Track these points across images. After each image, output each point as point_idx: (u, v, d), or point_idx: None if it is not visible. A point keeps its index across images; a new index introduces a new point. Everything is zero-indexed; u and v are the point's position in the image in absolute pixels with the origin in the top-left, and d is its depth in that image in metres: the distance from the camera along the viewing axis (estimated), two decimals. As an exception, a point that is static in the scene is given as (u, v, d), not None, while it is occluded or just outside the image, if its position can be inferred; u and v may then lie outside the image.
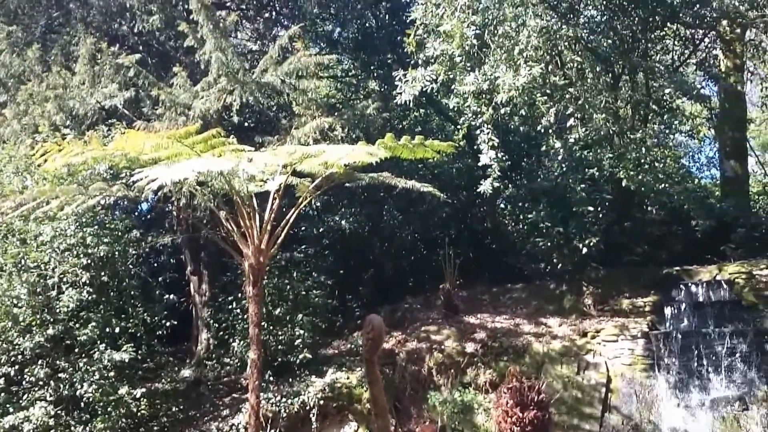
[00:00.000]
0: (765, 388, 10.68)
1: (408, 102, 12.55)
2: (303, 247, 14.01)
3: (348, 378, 11.99)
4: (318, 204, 15.16)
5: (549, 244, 13.96)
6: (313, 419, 11.25)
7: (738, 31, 15.69)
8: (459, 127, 13.82)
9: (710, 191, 19.41)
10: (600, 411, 11.22)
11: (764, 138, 21.81)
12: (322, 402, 11.37)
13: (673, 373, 11.26)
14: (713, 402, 10.78)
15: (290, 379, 11.85)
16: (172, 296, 12.72)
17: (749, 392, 10.72)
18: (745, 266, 13.01)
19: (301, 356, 12.02)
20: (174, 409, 11.78)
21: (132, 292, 11.82)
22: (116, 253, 11.56)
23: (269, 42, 15.01)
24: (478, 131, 12.65)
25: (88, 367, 10.47)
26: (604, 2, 13.01)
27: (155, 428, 11.29)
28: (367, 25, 17.84)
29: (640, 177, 12.45)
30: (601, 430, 11.05)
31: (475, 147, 13.90)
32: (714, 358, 11.15)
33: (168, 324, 11.91)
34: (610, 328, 12.26)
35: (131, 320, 11.34)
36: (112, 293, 11.62)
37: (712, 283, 12.70)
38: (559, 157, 13.79)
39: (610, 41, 13.08)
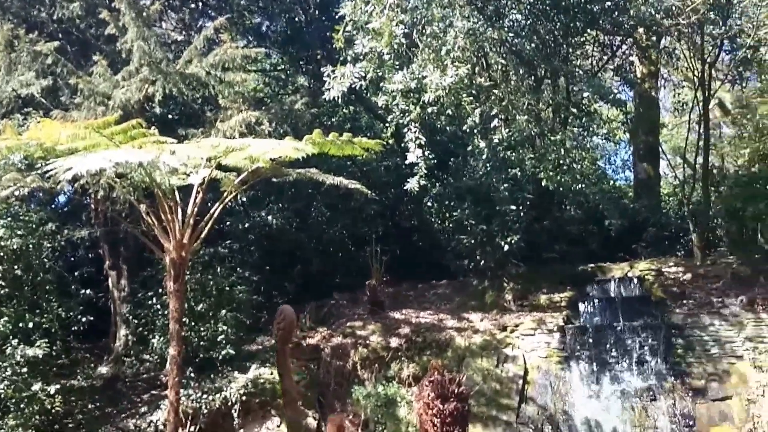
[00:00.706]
0: (672, 380, 11.25)
1: (337, 98, 12.57)
2: (228, 242, 13.86)
3: (272, 373, 11.94)
4: (244, 199, 14.96)
5: (473, 241, 14.29)
6: (235, 415, 11.16)
7: (654, 38, 16.40)
8: (387, 125, 13.96)
9: (624, 192, 20.30)
10: (517, 402, 11.58)
11: (675, 142, 22.84)
12: (244, 398, 11.29)
13: (586, 366, 11.73)
14: (623, 393, 11.30)
15: (212, 376, 11.71)
16: (89, 291, 12.37)
17: (657, 383, 11.28)
18: (655, 263, 13.70)
19: (223, 352, 11.90)
20: (90, 406, 11.46)
21: (47, 287, 11.44)
22: (30, 246, 11.17)
23: (195, 33, 14.78)
24: (406, 129, 12.81)
25: (0, 363, 10.09)
26: (529, 6, 13.37)
27: (70, 425, 10.96)
28: (296, 19, 17.77)
29: (559, 178, 12.88)
30: (517, 420, 11.41)
31: (403, 145, 14.04)
32: (624, 351, 11.67)
33: (84, 319, 11.58)
34: (529, 322, 12.67)
35: (45, 315, 10.98)
36: (25, 287, 11.22)
37: (624, 280, 13.31)
38: (484, 157, 14.10)
39: (533, 45, 13.46)
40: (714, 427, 10.61)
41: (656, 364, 11.51)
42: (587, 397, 11.42)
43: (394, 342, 12.84)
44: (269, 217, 15.11)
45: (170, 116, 14.26)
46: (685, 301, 12.30)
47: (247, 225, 15.01)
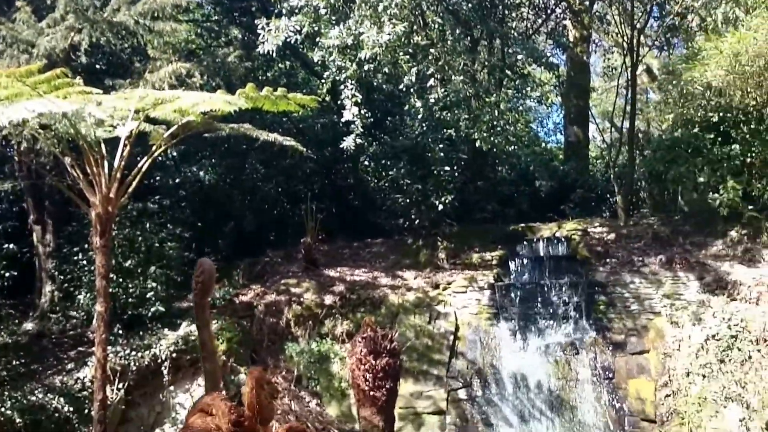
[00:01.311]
0: (594, 335, 11.75)
1: (271, 52, 12.37)
2: (157, 197, 13.56)
3: (203, 330, 11.86)
4: (175, 154, 14.66)
5: (408, 200, 14.42)
6: (165, 372, 11.07)
7: (586, 2, 16.67)
8: (323, 81, 13.82)
9: (555, 155, 20.79)
10: (447, 357, 11.88)
11: (604, 106, 23.46)
12: (174, 355, 11.19)
13: (514, 322, 12.12)
14: (548, 347, 11.74)
15: (141, 333, 11.56)
16: (12, 246, 11.96)
17: (580, 338, 11.76)
18: (581, 224, 14.16)
19: (153, 309, 11.73)
20: (15, 362, 11.15)
21: (-33, 242, 11.01)
22: (-51, 199, 10.70)
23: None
24: (342, 87, 12.74)
25: None
26: (466, -34, 13.38)
27: (-5, 382, 10.68)
28: (229, -33, 17.25)
29: (493, 139, 13.08)
30: (447, 374, 11.72)
31: (340, 102, 13.99)
32: (550, 307, 12.10)
33: (8, 275, 11.21)
34: (461, 280, 12.94)
35: (-33, 271, 10.59)
36: (-55, 242, 10.77)
37: (552, 239, 13.72)
38: (420, 117, 14.17)
39: (470, 5, 13.50)
40: (632, 379, 11.15)
41: (579, 319, 11.98)
42: (514, 351, 11.81)
43: (329, 299, 12.92)
44: (201, 173, 14.85)
45: (97, 66, 13.71)
46: (608, 260, 12.77)
47: (177, 180, 14.72)
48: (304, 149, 11.46)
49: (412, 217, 14.53)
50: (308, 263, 14.24)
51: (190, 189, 14.91)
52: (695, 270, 11.99)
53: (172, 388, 11.16)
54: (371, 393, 8.67)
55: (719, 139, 13.04)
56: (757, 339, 10.42)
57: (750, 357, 10.28)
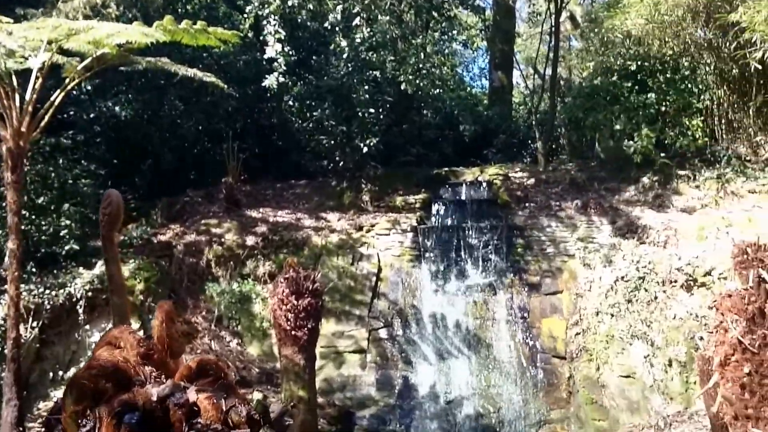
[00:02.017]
0: (511, 276, 12.15)
1: (191, -16, 11.85)
2: (71, 132, 12.96)
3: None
4: (89, 87, 13.95)
5: (332, 142, 14.32)
6: (81, 311, 10.83)
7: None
8: (246, 16, 13.39)
9: (479, 99, 20.97)
10: (370, 298, 12.08)
11: (529, 52, 23.72)
12: (90, 294, 10.93)
13: (435, 264, 12.37)
14: (468, 288, 12.09)
15: (55, 271, 11.20)
16: None
17: (498, 280, 12.14)
18: (503, 169, 14.46)
19: (67, 247, 11.36)
20: None
21: None
22: None
23: None
24: (265, 22, 12.38)
25: None
26: None
27: None
28: None
29: (418, 82, 13.08)
30: (369, 314, 11.93)
31: (262, 39, 13.60)
32: (471, 250, 12.40)
33: None
34: (384, 222, 13.06)
35: None
36: None
37: (474, 184, 13.97)
38: (345, 57, 13.96)
39: (398, -57, 13.26)
40: (545, 318, 11.65)
41: (498, 261, 12.33)
42: (434, 292, 12.10)
43: (251, 240, 12.82)
44: (117, 108, 14.22)
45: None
46: (527, 205, 13.14)
47: (92, 115, 14.05)
48: (226, 86, 11.15)
49: (337, 158, 14.47)
50: (230, 203, 14.03)
51: (106, 124, 14.27)
52: (608, 215, 12.50)
53: (87, 327, 10.93)
54: (293, 332, 8.73)
55: (636, 87, 13.44)
56: (663, 280, 11.01)
57: (656, 297, 10.88)
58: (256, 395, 9.28)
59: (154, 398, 3.33)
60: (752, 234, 10.32)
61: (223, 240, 12.85)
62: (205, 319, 11.63)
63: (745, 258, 8.41)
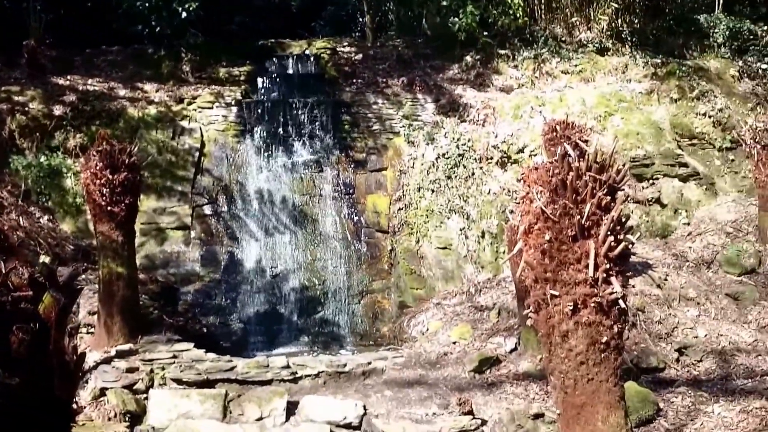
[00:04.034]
0: (338, 153, 12.21)
1: None
2: None
3: None
4: None
5: (148, 5, 13.11)
6: None
7: None
8: None
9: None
10: (193, 173, 11.68)
11: None
12: None
13: (261, 139, 12.12)
14: (294, 164, 12.03)
15: None
16: None
17: (325, 156, 12.17)
18: (331, 43, 14.17)
19: None
20: None
21: None
22: None
23: None
24: None
25: None
26: None
27: None
28: None
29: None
30: (192, 190, 11.58)
31: None
32: (298, 125, 12.24)
33: None
34: (207, 95, 12.46)
35: None
36: None
37: (301, 57, 13.62)
38: None
39: None
40: (370, 194, 11.96)
41: (325, 138, 12.30)
42: (260, 168, 11.93)
43: (58, 110, 11.76)
44: None
45: None
46: (354, 80, 13.05)
47: None
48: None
49: (153, 23, 13.33)
50: (33, 69, 12.66)
51: None
52: (433, 93, 12.78)
53: None
54: (108, 208, 8.29)
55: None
56: (480, 157, 11.62)
57: (473, 173, 11.50)
58: (43, 258, 8.82)
59: None
60: (562, 113, 11.12)
61: (27, 109, 11.69)
62: (12, 194, 10.71)
63: (554, 135, 9.06)
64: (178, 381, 8.02)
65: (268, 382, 8.11)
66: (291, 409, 7.51)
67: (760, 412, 6.89)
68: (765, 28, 14.16)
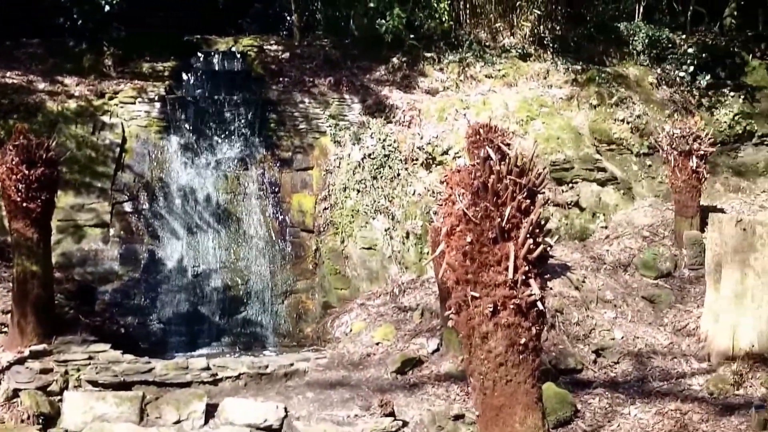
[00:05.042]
0: (263, 151, 12.13)
1: None
2: None
3: None
4: None
5: (69, -4, 12.70)
6: None
7: None
8: None
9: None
10: (113, 170, 11.39)
11: None
12: None
13: (185, 136, 11.92)
14: (218, 162, 11.89)
15: None
16: None
17: (250, 154, 12.07)
18: (258, 40, 14.04)
19: None
20: None
21: None
22: None
23: None
24: None
25: None
26: None
27: None
28: None
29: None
30: (113, 187, 11.29)
31: None
32: (223, 123, 12.10)
33: None
34: (129, 90, 12.15)
35: None
36: None
37: (228, 54, 13.44)
38: None
39: None
40: (295, 193, 11.93)
41: (250, 136, 12.21)
42: (184, 165, 11.73)
43: (-28, 103, 11.27)
44: None
45: None
46: (281, 79, 12.97)
47: None
48: None
49: (75, 16, 12.90)
50: (-56, 60, 12.07)
51: None
52: (359, 93, 12.86)
53: None
54: (24, 204, 8.01)
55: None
56: (405, 158, 11.79)
57: (398, 174, 11.64)
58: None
59: None
60: (486, 116, 11.41)
61: (-61, 100, 11.15)
62: None
63: (477, 138, 9.29)
64: (94, 383, 7.83)
65: (188, 384, 8.01)
66: (210, 411, 7.44)
67: (675, 414, 7.13)
68: (683, 36, 14.72)
